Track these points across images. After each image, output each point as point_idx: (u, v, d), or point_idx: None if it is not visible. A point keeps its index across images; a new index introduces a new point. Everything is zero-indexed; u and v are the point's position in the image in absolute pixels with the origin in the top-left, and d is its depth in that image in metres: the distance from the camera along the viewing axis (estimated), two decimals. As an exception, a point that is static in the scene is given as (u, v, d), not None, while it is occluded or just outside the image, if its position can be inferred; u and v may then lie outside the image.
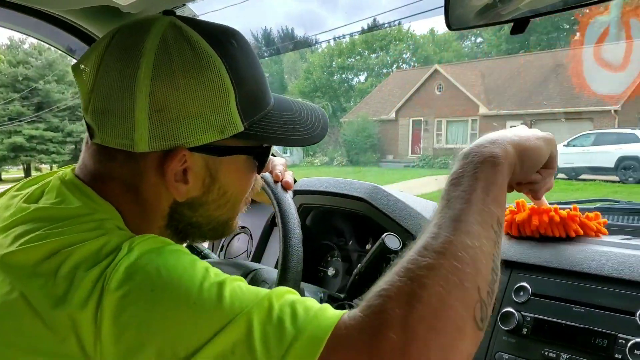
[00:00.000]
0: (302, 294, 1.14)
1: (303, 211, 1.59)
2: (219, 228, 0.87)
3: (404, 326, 0.57)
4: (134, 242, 0.66)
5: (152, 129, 0.71)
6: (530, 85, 20.94)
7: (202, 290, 0.62)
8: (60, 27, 1.49)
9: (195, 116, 0.72)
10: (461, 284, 0.61)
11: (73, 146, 31.11)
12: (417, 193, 1.60)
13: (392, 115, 25.08)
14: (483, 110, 21.44)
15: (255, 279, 1.19)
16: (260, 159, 0.83)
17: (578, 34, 21.07)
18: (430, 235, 0.66)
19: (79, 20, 1.44)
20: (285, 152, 28.16)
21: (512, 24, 0.92)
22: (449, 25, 1.00)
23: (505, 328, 1.02)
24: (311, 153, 28.31)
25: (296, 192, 1.58)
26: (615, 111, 17.44)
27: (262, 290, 0.64)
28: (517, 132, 0.82)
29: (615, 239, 1.17)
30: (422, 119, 24.09)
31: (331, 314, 0.61)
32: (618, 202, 1.60)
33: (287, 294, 0.64)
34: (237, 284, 0.64)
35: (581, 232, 1.12)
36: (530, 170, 0.83)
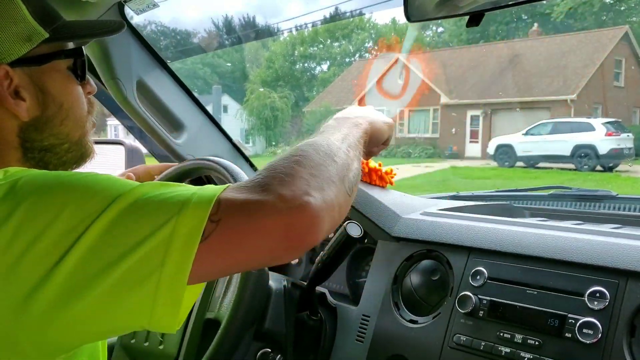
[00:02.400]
0: (267, 278, 1.16)
1: (266, 200, 1.59)
2: (75, 149, 0.90)
3: (291, 170, 0.71)
4: (8, 171, 0.70)
5: None
6: (490, 75, 21.26)
7: (88, 176, 0.68)
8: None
9: None
10: (331, 158, 0.79)
11: (29, 136, 30.20)
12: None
13: (355, 104, 25.13)
14: (444, 99, 21.67)
15: None
16: (78, 62, 0.88)
17: (536, 24, 21.47)
18: (308, 140, 0.84)
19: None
20: (248, 143, 27.98)
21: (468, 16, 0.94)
22: (408, 17, 1.02)
23: (463, 311, 1.06)
24: (274, 143, 28.18)
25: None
26: (571, 100, 17.87)
27: None
28: (370, 114, 1.07)
29: (567, 224, 1.22)
30: (384, 108, 24.22)
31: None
32: (570, 189, 1.66)
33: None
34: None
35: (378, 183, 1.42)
36: (374, 144, 1.09)
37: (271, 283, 1.19)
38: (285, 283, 1.23)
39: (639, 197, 1.50)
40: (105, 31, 0.93)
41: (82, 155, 0.91)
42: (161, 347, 1.14)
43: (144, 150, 1.90)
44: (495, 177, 13.41)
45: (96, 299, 0.62)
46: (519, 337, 0.99)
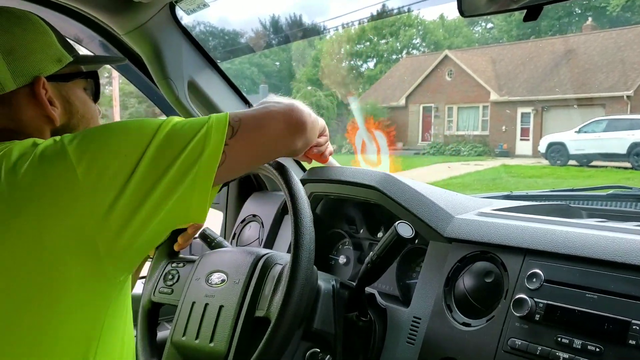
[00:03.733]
0: (315, 277, 1.16)
1: (313, 200, 1.59)
2: None
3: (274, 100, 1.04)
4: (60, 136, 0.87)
5: (11, 68, 0.92)
6: (541, 71, 20.72)
7: (133, 120, 0.89)
8: (71, 17, 1.50)
9: (37, 51, 0.96)
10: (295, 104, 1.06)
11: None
12: (428, 180, 1.60)
13: (402, 101, 24.91)
14: (494, 96, 21.24)
15: (267, 262, 1.19)
16: (94, 82, 1.09)
17: (590, 18, 20.81)
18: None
19: (90, 10, 1.45)
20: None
21: (524, 10, 0.91)
22: (461, 11, 0.99)
23: (518, 314, 1.03)
24: (321, 141, 28.18)
25: (306, 181, 1.58)
26: (628, 97, 17.23)
27: None
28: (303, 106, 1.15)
29: (628, 225, 1.17)
30: (432, 105, 23.90)
31: None
32: (631, 188, 1.59)
33: None
34: None
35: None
36: (315, 133, 1.21)
37: (320, 283, 1.19)
38: (334, 283, 1.22)
39: None
40: (109, 61, 1.26)
41: None
42: (211, 344, 1.14)
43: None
44: (547, 175, 13.09)
45: (158, 200, 0.83)
46: (578, 343, 0.95)
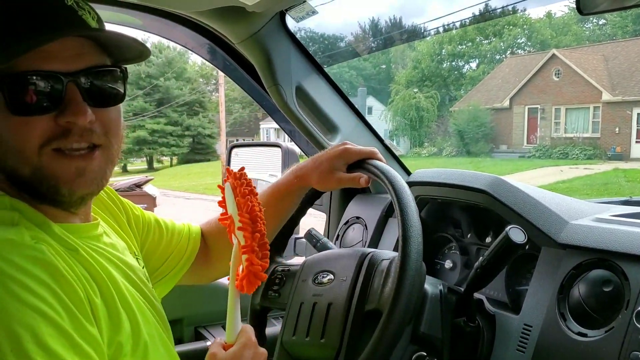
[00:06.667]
0: (424, 272, 1.13)
1: (419, 203, 1.58)
2: (32, 181, 0.77)
3: None
4: None
5: None
6: (660, 68, 19.29)
7: None
8: (187, 27, 1.59)
9: None
10: None
11: (191, 139, 33.04)
12: (535, 184, 1.55)
13: (506, 103, 24.10)
14: (606, 96, 20.03)
15: (374, 259, 1.19)
16: (8, 91, 0.72)
17: None
18: None
19: (206, 20, 1.53)
20: (393, 142, 27.94)
21: (652, 5, 0.86)
22: (579, 9, 0.96)
23: (642, 327, 0.97)
24: (419, 143, 27.90)
25: (412, 184, 1.57)
26: None
27: None
28: None
29: None
30: (538, 106, 22.94)
31: None
32: None
33: None
34: None
35: None
36: None
37: (427, 287, 1.18)
38: (441, 287, 1.20)
39: None
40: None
41: (42, 187, 0.78)
42: (322, 340, 1.16)
43: (297, 151, 1.98)
44: (667, 180, 12.16)
45: None
46: None
